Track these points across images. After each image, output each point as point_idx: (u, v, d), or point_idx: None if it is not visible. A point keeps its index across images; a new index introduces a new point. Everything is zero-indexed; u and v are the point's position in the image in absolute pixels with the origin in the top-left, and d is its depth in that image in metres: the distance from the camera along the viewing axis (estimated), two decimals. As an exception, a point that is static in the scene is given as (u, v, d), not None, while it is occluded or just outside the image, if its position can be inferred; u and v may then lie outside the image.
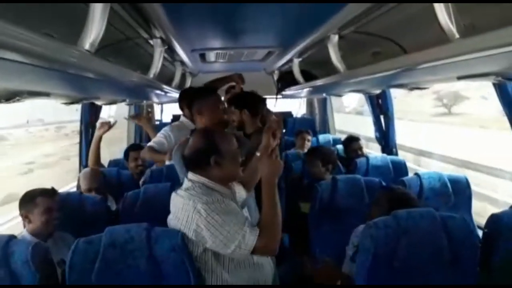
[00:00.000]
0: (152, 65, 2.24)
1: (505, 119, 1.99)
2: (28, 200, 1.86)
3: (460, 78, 1.82)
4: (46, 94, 1.66)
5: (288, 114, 5.68)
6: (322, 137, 4.61)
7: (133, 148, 3.22)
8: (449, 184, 2.29)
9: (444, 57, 1.46)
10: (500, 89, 1.90)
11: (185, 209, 1.41)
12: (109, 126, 3.05)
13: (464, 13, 1.34)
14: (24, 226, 1.87)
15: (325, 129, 5.23)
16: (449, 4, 1.31)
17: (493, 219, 1.59)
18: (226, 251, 1.39)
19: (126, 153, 3.20)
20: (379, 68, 2.00)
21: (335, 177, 2.30)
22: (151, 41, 2.25)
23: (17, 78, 1.28)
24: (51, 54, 1.06)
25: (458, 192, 2.30)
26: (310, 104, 5.71)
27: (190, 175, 1.54)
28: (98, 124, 3.18)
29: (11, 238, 1.46)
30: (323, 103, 5.23)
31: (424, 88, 2.32)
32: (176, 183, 2.36)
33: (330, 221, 1.60)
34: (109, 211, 2.30)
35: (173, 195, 1.52)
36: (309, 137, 4.10)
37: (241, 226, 1.38)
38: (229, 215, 1.39)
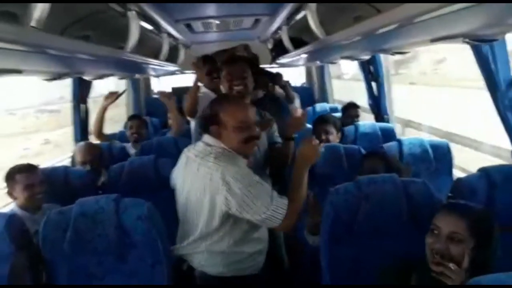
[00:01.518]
0: (128, 38, 2.24)
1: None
2: (9, 178, 1.94)
3: (432, 40, 1.79)
4: (18, 71, 1.69)
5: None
6: (319, 106, 4.59)
7: (130, 118, 3.41)
8: (430, 150, 2.28)
9: (410, 17, 1.45)
10: (476, 50, 1.85)
11: (212, 179, 1.42)
12: (117, 95, 3.08)
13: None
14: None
15: (324, 98, 5.18)
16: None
17: (458, 183, 1.60)
18: (256, 218, 1.43)
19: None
20: (354, 31, 1.97)
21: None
22: (128, 13, 2.24)
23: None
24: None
25: (440, 158, 2.29)
26: (309, 74, 5.63)
27: (207, 138, 1.55)
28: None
29: (-11, 210, 1.53)
30: (321, 71, 5.16)
31: (405, 53, 2.28)
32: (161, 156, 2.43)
33: (310, 187, 1.62)
34: (96, 184, 2.37)
35: (193, 159, 1.52)
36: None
37: (270, 200, 1.42)
38: (258, 187, 1.43)
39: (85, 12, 1.91)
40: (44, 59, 1.64)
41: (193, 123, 2.58)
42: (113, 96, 3.10)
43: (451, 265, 1.12)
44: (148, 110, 5.04)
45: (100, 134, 3.15)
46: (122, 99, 4.62)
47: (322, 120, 2.66)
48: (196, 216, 1.50)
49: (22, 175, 1.93)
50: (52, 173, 2.23)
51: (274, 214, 1.42)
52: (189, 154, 1.57)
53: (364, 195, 1.44)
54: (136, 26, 2.21)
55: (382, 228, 1.45)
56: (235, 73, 2.02)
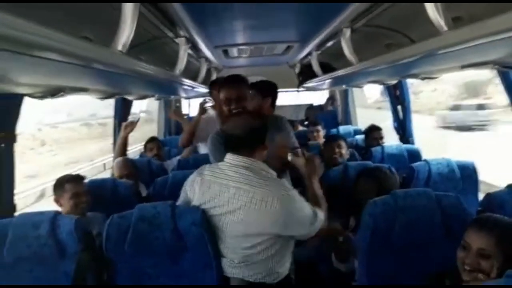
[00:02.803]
0: (177, 62, 2.45)
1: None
2: (58, 186, 2.09)
3: (463, 67, 1.93)
4: (85, 90, 1.90)
5: (310, 107, 5.80)
6: (342, 128, 4.72)
7: (149, 141, 3.64)
8: (457, 170, 2.38)
9: (442, 47, 1.59)
10: (503, 76, 1.98)
11: (270, 202, 1.48)
12: (133, 124, 3.27)
13: (452, 7, 1.46)
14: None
15: (347, 121, 5.32)
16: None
17: (487, 198, 1.71)
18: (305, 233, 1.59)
19: (145, 145, 3.62)
20: (387, 59, 2.12)
21: (346, 163, 2.45)
22: (176, 40, 2.47)
23: (60, 77, 1.52)
24: (89, 55, 1.27)
25: (466, 177, 2.39)
26: (332, 96, 5.80)
27: (243, 159, 1.57)
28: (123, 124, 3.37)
29: (57, 213, 1.70)
30: (345, 94, 5.32)
31: (434, 78, 2.42)
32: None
33: (340, 200, 1.76)
34: (139, 195, 2.55)
35: (248, 182, 1.53)
36: (319, 128, 4.15)
37: (314, 216, 1.56)
38: (302, 201, 1.57)
39: (145, 38, 2.13)
40: (107, 77, 1.85)
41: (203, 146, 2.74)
42: (132, 126, 3.28)
43: (481, 275, 1.23)
44: (177, 129, 5.27)
45: None
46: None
47: (332, 138, 3.01)
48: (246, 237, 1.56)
49: (71, 184, 2.09)
50: (101, 183, 2.42)
51: (316, 227, 1.57)
52: (218, 179, 1.60)
53: (400, 207, 1.56)
54: (184, 51, 2.43)
55: (418, 239, 1.56)
56: (233, 96, 2.02)
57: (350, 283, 1.88)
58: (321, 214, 1.60)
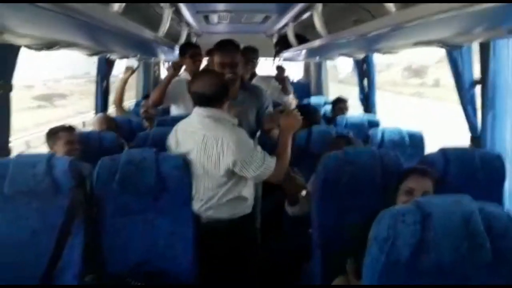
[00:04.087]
0: (161, 25, 2.63)
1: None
2: (52, 135, 2.31)
3: (414, 44, 2.22)
4: (78, 45, 2.08)
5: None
6: (313, 99, 5.02)
7: (145, 97, 3.93)
8: (406, 137, 2.74)
9: (392, 25, 1.86)
10: (449, 54, 2.27)
11: (216, 145, 1.82)
12: (132, 70, 3.51)
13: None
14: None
15: (319, 92, 5.62)
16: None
17: (422, 159, 2.05)
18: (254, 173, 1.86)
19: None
20: (352, 33, 2.38)
21: (311, 128, 2.74)
22: (161, 4, 2.63)
23: (57, 30, 1.70)
24: (87, 11, 1.43)
25: (415, 144, 2.74)
26: (307, 69, 6.05)
27: (208, 110, 1.88)
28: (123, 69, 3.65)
29: (52, 155, 1.91)
30: (318, 67, 5.58)
31: (394, 52, 2.71)
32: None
33: (305, 163, 2.05)
34: (122, 147, 2.76)
35: (206, 126, 1.87)
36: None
37: (262, 160, 1.86)
38: (253, 145, 1.88)
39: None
40: (100, 34, 2.02)
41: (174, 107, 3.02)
42: (129, 70, 3.54)
43: None
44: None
45: (120, 105, 3.55)
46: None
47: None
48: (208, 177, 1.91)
49: (65, 132, 2.32)
50: (88, 136, 2.62)
51: (264, 171, 1.87)
52: (189, 128, 1.94)
53: (348, 161, 1.87)
54: (168, 15, 2.60)
55: (361, 188, 1.88)
56: (227, 61, 2.20)
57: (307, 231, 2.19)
58: (272, 162, 1.88)
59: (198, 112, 1.92)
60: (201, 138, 1.87)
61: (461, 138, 2.38)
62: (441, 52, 2.22)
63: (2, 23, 1.38)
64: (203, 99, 1.90)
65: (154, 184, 1.89)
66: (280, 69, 3.71)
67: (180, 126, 2.02)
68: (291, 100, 3.94)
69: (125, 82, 3.51)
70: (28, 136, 5.26)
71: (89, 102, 3.94)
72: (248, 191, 2.02)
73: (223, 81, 1.95)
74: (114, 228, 1.92)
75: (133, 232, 1.92)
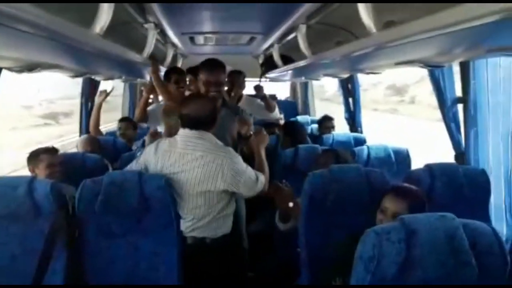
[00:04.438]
0: (146, 46, 2.64)
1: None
2: (34, 157, 2.27)
3: (396, 64, 2.26)
4: (59, 67, 2.06)
5: (273, 97, 6.09)
6: (301, 118, 5.06)
7: (121, 120, 3.83)
8: (392, 154, 2.75)
9: (373, 46, 1.89)
10: (430, 74, 2.32)
11: (216, 165, 1.87)
12: (106, 94, 3.45)
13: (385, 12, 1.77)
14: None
15: (306, 111, 5.67)
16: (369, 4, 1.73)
17: (408, 175, 2.06)
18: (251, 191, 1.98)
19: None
20: (335, 53, 2.41)
21: (297, 146, 2.75)
22: (145, 25, 2.64)
23: (39, 53, 1.69)
24: (69, 34, 1.44)
25: (400, 161, 2.76)
26: (293, 89, 6.12)
27: (196, 133, 1.91)
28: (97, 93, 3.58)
29: (34, 178, 1.87)
30: (305, 87, 5.65)
31: (377, 73, 2.75)
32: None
33: (291, 180, 2.05)
34: (106, 169, 2.72)
35: (191, 152, 1.89)
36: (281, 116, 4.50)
37: (256, 179, 1.97)
38: (245, 165, 1.95)
39: (116, 21, 2.29)
40: (83, 57, 2.02)
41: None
42: (103, 94, 3.47)
43: None
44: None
45: (96, 129, 3.50)
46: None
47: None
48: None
49: (46, 155, 2.27)
50: (71, 157, 2.58)
51: (260, 186, 1.99)
52: (175, 149, 1.93)
53: (334, 179, 1.87)
54: (152, 36, 2.62)
55: (348, 205, 1.87)
56: (213, 80, 2.28)
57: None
58: (262, 177, 2.01)
59: (186, 134, 1.93)
60: (194, 158, 1.88)
61: (428, 150, 2.43)
62: (422, 71, 2.26)
63: None
64: (195, 122, 1.92)
65: (137, 205, 1.85)
66: (257, 88, 3.76)
67: (162, 146, 1.98)
68: (277, 116, 3.96)
69: (99, 106, 3.44)
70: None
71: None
72: (231, 209, 2.07)
73: (213, 106, 2.00)
74: (96, 250, 1.87)
75: (116, 254, 1.87)
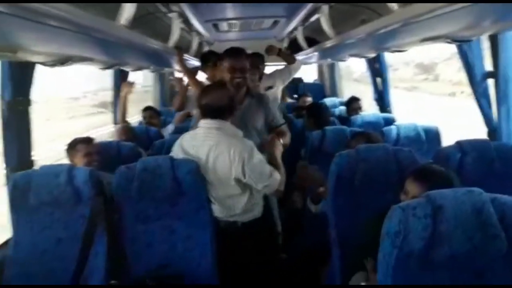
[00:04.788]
0: (171, 35, 2.70)
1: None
2: (72, 147, 2.36)
3: (422, 40, 2.21)
4: (89, 59, 2.15)
5: (299, 80, 6.06)
6: (328, 100, 5.01)
7: (144, 109, 3.95)
8: (422, 133, 2.71)
9: (405, 20, 1.86)
10: (459, 49, 2.25)
11: (236, 151, 1.87)
12: (131, 85, 3.55)
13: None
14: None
15: (334, 93, 5.61)
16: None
17: (437, 153, 2.03)
18: (258, 186, 1.93)
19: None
20: (358, 32, 2.39)
21: (324, 128, 2.75)
22: (169, 15, 2.70)
23: (69, 47, 1.77)
24: (96, 26, 1.52)
25: (431, 140, 2.71)
26: (320, 71, 6.05)
27: (217, 122, 1.93)
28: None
29: (73, 166, 1.99)
30: (331, 69, 5.58)
31: (403, 51, 2.70)
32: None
33: (319, 163, 2.06)
34: (140, 156, 2.83)
35: (217, 137, 1.92)
36: (309, 98, 4.53)
37: (269, 174, 1.93)
38: (261, 157, 1.93)
39: (142, 13, 2.36)
40: (111, 48, 2.10)
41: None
42: (130, 86, 3.56)
43: None
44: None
45: (123, 121, 3.62)
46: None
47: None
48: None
49: (83, 145, 2.38)
50: (107, 145, 2.70)
51: (272, 183, 1.95)
52: (195, 142, 1.97)
53: (361, 158, 1.88)
54: (177, 25, 2.67)
55: (375, 184, 1.87)
56: (237, 67, 2.28)
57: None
58: (277, 174, 1.97)
59: (205, 125, 1.96)
60: (211, 148, 1.91)
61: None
62: (451, 48, 2.20)
63: (17, 41, 1.45)
64: (212, 111, 1.94)
65: (170, 190, 1.93)
66: (268, 49, 3.41)
67: (185, 141, 2.03)
68: (300, 65, 3.80)
69: (125, 98, 3.53)
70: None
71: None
72: (259, 196, 2.08)
73: (232, 94, 1.99)
74: (134, 234, 1.98)
75: (153, 237, 1.98)
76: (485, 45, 2.18)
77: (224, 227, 2.04)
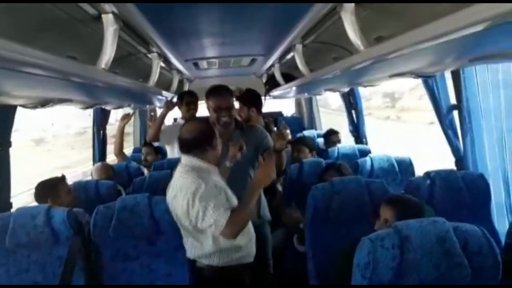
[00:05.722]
0: (151, 74, 2.77)
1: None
2: (52, 189, 2.27)
3: (390, 76, 2.34)
4: (70, 101, 2.19)
5: (279, 114, 6.20)
6: (307, 132, 5.12)
7: (144, 145, 4.06)
8: (395, 164, 2.80)
9: (372, 58, 1.98)
10: (425, 83, 2.39)
11: (184, 190, 1.74)
12: (129, 117, 3.65)
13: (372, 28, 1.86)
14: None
15: (312, 126, 5.74)
16: (355, 21, 1.83)
17: (408, 183, 2.11)
18: (203, 226, 1.75)
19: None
20: (331, 70, 2.51)
21: (302, 161, 2.83)
22: (149, 55, 2.79)
23: (50, 90, 1.81)
24: (76, 72, 1.57)
25: (403, 170, 2.81)
26: (298, 104, 6.22)
27: (186, 159, 1.84)
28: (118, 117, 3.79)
29: (50, 206, 1.98)
30: (309, 102, 5.75)
31: (374, 85, 2.83)
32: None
33: (297, 195, 2.12)
34: (119, 194, 2.83)
35: (177, 176, 1.84)
36: (288, 131, 4.62)
37: (217, 210, 1.72)
38: (211, 200, 1.73)
39: (121, 54, 2.44)
40: (91, 90, 2.15)
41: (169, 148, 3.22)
42: (128, 117, 3.65)
43: None
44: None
45: (120, 152, 3.66)
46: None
47: (297, 141, 3.34)
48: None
49: (63, 183, 2.35)
50: (85, 185, 2.70)
51: (216, 223, 1.72)
52: (175, 175, 1.87)
53: (336, 190, 1.94)
54: (157, 65, 2.75)
55: (350, 215, 1.93)
56: (223, 106, 2.22)
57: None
58: (225, 216, 1.72)
59: (182, 161, 1.89)
60: (177, 187, 1.82)
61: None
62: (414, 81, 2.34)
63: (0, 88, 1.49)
64: (184, 145, 1.86)
65: (149, 228, 1.95)
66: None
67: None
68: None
69: (122, 130, 3.63)
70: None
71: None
72: (241, 240, 1.87)
73: (207, 129, 1.88)
74: (113, 273, 1.96)
75: (132, 276, 1.97)
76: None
77: (200, 266, 1.91)
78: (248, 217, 1.86)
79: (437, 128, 2.47)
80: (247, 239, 1.92)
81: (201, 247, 1.84)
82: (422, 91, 2.55)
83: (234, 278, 1.90)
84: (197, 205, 1.72)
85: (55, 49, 1.93)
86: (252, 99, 2.97)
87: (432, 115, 2.48)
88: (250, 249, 1.95)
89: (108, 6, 1.66)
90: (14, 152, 2.26)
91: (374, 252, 1.20)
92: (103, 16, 1.73)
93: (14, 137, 2.26)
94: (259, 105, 2.93)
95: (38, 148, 11.12)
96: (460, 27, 1.07)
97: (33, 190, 2.26)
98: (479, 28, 1.02)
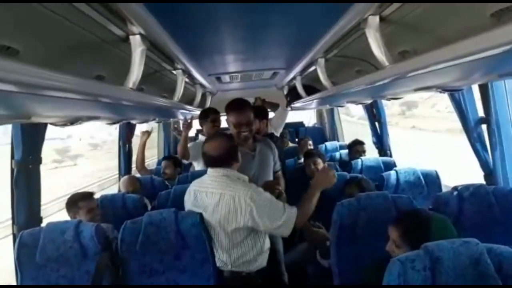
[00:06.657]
0: (175, 90, 2.83)
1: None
2: (72, 204, 2.35)
3: (416, 90, 2.31)
4: (97, 118, 2.26)
5: (300, 124, 6.19)
6: (329, 144, 5.09)
7: (163, 159, 4.06)
8: (421, 177, 2.75)
9: (399, 74, 1.96)
10: (452, 97, 2.35)
11: (234, 202, 1.85)
12: (148, 133, 3.71)
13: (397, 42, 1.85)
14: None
15: (334, 137, 5.70)
16: (379, 37, 1.82)
17: (435, 198, 2.06)
18: (273, 226, 1.87)
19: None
20: (354, 84, 2.50)
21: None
22: (174, 72, 2.85)
23: (79, 110, 1.87)
24: (105, 93, 1.62)
25: (430, 183, 2.75)
26: (320, 115, 6.19)
27: (219, 171, 1.96)
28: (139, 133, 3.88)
29: (80, 221, 2.03)
30: (331, 113, 5.71)
31: (398, 98, 2.80)
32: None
33: (321, 209, 2.11)
34: (145, 208, 2.88)
35: (214, 191, 1.92)
36: (310, 142, 4.63)
37: (283, 211, 1.88)
38: (269, 196, 1.90)
39: (148, 71, 2.50)
40: (119, 108, 2.21)
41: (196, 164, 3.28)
42: (146, 134, 3.74)
43: None
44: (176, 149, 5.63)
45: (142, 167, 3.73)
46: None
47: (309, 155, 3.34)
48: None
49: (84, 202, 2.39)
50: (112, 198, 2.76)
51: (287, 220, 1.87)
52: (202, 189, 1.99)
53: (362, 206, 1.92)
54: (181, 80, 2.81)
55: (376, 231, 1.89)
56: (243, 121, 2.31)
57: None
58: (293, 211, 1.89)
59: (210, 173, 2.00)
60: (217, 197, 1.90)
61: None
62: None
63: (31, 111, 1.54)
64: (211, 161, 1.98)
65: (175, 242, 1.97)
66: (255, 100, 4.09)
67: (193, 187, 2.07)
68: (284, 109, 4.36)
69: (143, 145, 3.71)
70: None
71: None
72: (265, 245, 2.05)
73: (232, 145, 2.00)
74: (139, 288, 1.98)
75: (158, 291, 1.98)
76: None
77: (228, 277, 2.02)
78: (309, 212, 1.98)
79: (456, 136, 2.42)
80: (267, 246, 2.08)
81: (238, 255, 1.96)
82: (435, 100, 2.51)
83: (259, 284, 2.02)
84: (263, 206, 1.85)
85: (85, 69, 2.02)
86: (264, 112, 3.27)
87: (447, 123, 2.43)
88: (267, 255, 2.08)
89: (135, 28, 1.71)
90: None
91: (405, 274, 1.18)
92: (131, 37, 1.78)
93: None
94: (268, 117, 3.30)
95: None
96: (492, 46, 1.05)
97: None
98: (504, 48, 1.01)
